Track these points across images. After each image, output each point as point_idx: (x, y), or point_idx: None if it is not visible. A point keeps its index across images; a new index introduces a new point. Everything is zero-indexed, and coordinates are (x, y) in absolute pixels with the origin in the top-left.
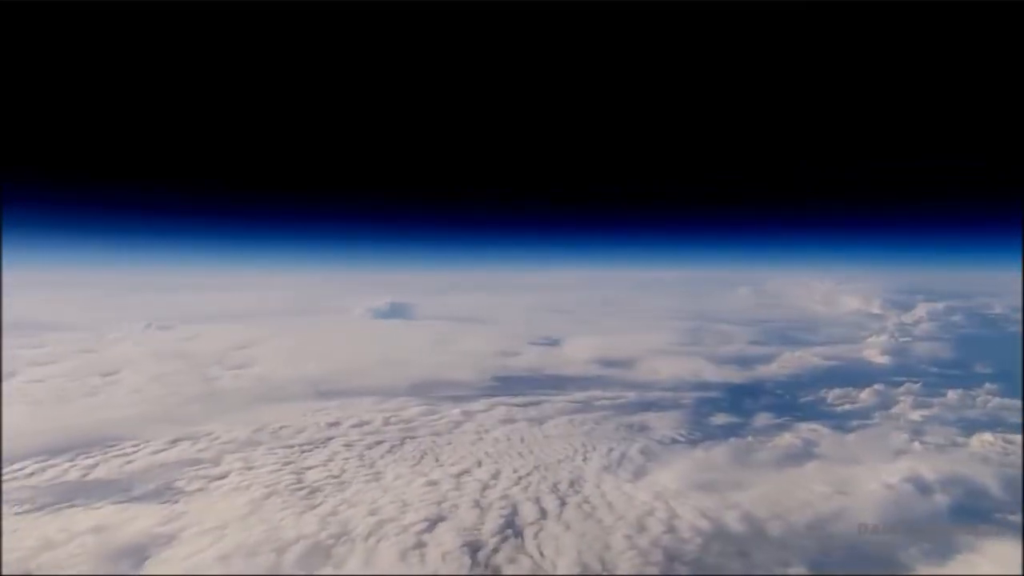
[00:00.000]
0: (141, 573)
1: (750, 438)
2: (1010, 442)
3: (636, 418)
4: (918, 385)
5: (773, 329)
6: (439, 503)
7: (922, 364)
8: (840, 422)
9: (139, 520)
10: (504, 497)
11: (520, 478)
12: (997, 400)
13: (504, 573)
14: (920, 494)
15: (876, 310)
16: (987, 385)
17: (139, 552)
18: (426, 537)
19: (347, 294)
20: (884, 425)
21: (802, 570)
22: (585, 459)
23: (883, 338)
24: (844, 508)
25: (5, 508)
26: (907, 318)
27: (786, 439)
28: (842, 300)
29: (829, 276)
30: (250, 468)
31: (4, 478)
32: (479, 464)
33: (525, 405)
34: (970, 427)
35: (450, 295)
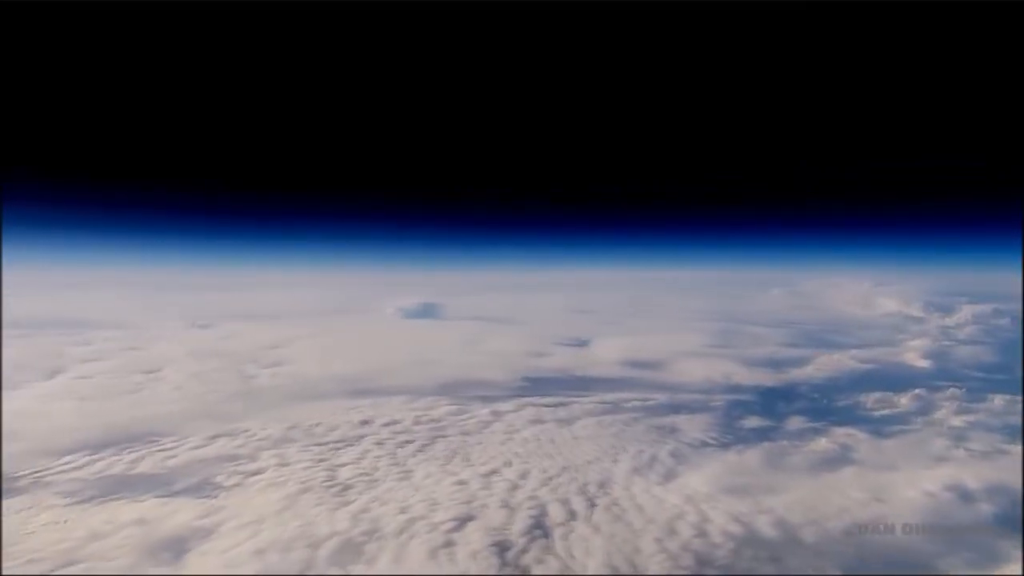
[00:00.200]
0: (161, 573)
1: (784, 442)
2: None
3: (666, 420)
4: (961, 390)
5: (807, 331)
6: (468, 502)
7: (965, 368)
8: (878, 427)
9: (180, 514)
10: (533, 497)
11: (549, 479)
12: None
13: (532, 573)
14: (962, 502)
15: (915, 312)
16: None
17: (180, 544)
18: (455, 536)
19: (378, 294)
20: (925, 431)
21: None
22: (614, 461)
23: (924, 341)
24: (882, 515)
25: (57, 499)
26: (949, 321)
27: (821, 444)
28: (879, 302)
29: (865, 277)
30: (285, 464)
31: (55, 471)
32: (508, 464)
33: (554, 406)
34: (1016, 434)
35: (480, 295)
